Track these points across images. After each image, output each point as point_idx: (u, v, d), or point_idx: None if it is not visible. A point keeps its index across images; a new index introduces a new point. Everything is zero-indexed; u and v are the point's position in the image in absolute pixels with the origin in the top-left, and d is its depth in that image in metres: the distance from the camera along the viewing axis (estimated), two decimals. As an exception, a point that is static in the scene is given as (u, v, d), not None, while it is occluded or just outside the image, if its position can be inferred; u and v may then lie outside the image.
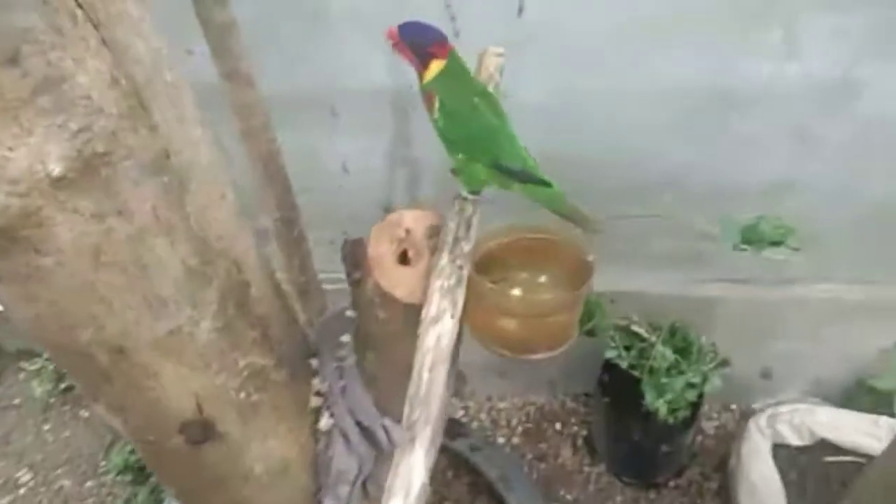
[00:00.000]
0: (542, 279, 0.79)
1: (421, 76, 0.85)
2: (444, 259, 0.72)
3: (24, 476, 1.89)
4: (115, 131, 0.55)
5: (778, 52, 1.28)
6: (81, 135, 0.52)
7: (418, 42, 0.85)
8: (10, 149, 0.49)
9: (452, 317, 0.67)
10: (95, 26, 0.51)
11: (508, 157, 0.85)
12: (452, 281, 0.70)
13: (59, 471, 1.90)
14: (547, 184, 0.85)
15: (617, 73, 1.41)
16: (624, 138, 1.50)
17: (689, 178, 1.51)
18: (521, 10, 1.36)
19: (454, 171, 0.88)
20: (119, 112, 0.54)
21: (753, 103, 1.36)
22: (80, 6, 0.49)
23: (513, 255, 0.79)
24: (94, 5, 0.51)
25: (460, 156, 0.85)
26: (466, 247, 0.75)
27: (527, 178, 0.85)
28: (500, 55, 1.12)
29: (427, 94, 0.85)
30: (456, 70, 0.85)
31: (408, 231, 0.78)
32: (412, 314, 0.72)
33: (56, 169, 0.52)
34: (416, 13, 1.38)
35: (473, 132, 0.85)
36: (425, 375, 0.63)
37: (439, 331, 0.66)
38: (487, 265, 0.77)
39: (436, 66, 0.83)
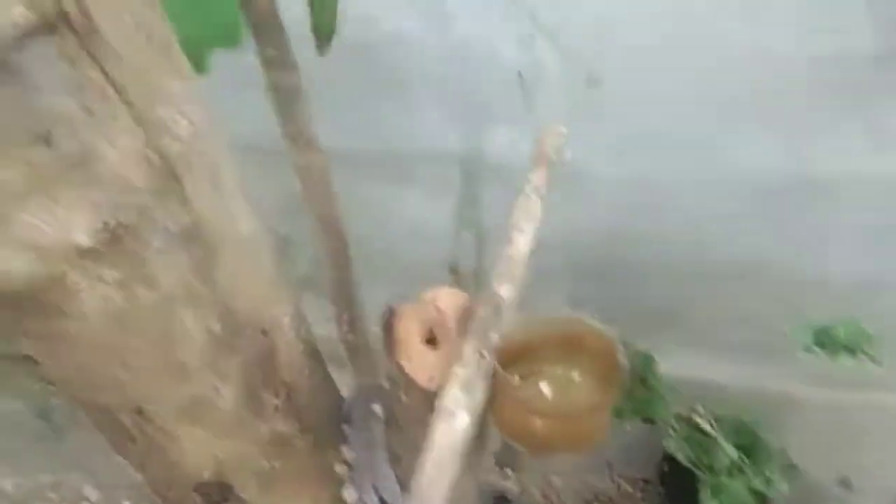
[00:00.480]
0: (575, 375, 0.76)
1: None
2: (469, 347, 0.71)
3: (92, 494, 1.97)
4: (144, 205, 0.56)
5: (863, 144, 1.21)
6: (110, 209, 0.54)
7: None
8: (41, 220, 0.52)
9: (469, 413, 0.65)
10: (129, 106, 0.53)
11: None
12: (474, 372, 0.68)
13: (124, 492, 1.96)
14: None
15: (692, 154, 1.37)
16: (697, 221, 1.44)
17: (764, 268, 1.43)
18: (594, 84, 1.34)
19: None
20: (149, 187, 0.56)
21: (836, 196, 1.29)
22: (114, 87, 0.51)
23: (545, 347, 0.76)
24: (128, 85, 0.53)
25: None
26: (495, 335, 0.72)
27: None
28: (560, 134, 1.10)
29: None
30: None
31: (439, 311, 0.77)
32: (433, 401, 0.70)
33: (83, 240, 0.53)
34: (492, 82, 1.40)
35: None
36: (430, 472, 0.61)
37: (452, 426, 0.63)
38: (517, 356, 0.74)
39: None
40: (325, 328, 1.34)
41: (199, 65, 1.00)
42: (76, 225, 0.53)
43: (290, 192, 1.67)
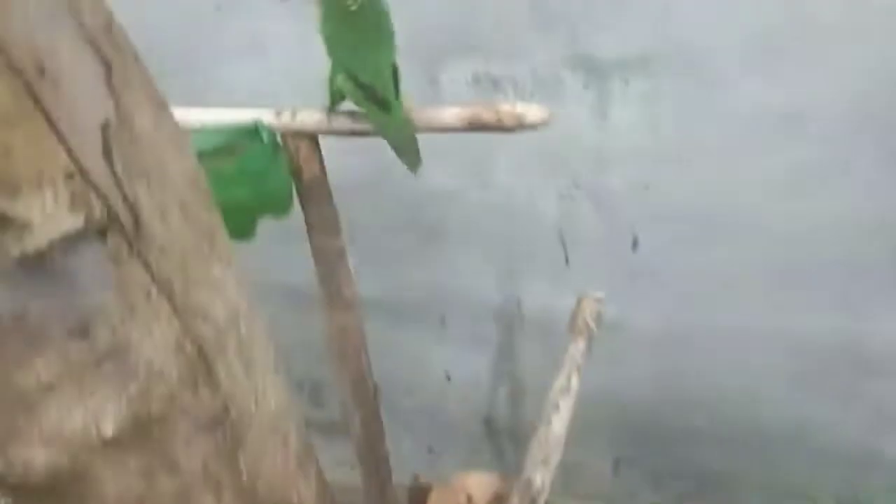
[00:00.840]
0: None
1: None
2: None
3: None
4: (173, 394, 0.56)
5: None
6: (139, 398, 0.53)
7: None
8: (69, 409, 0.51)
9: None
10: (169, 299, 0.53)
11: (365, 70, 0.92)
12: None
13: None
14: (388, 108, 0.93)
15: (735, 314, 1.34)
16: (741, 383, 1.39)
17: (812, 437, 1.36)
18: (635, 245, 1.34)
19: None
20: (180, 376, 0.56)
21: (892, 370, 1.23)
22: (155, 281, 0.52)
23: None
24: (172, 277, 0.54)
25: (332, 63, 0.93)
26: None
27: (374, 97, 0.92)
28: (598, 300, 1.09)
29: None
30: None
31: (469, 498, 0.73)
32: None
33: (109, 430, 0.53)
34: (531, 237, 1.41)
35: (341, 34, 0.90)
36: None
37: None
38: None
39: None
40: (352, 475, 1.30)
41: (247, 232, 1.04)
42: (104, 416, 0.52)
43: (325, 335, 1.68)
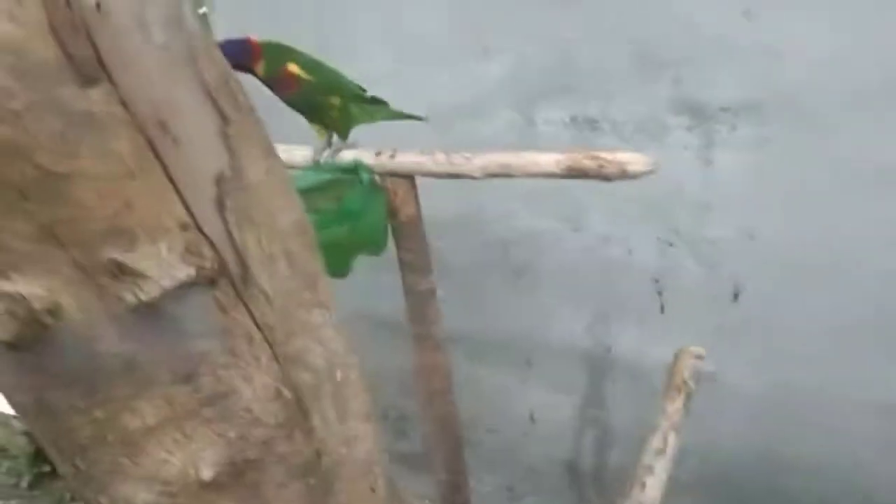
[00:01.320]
0: None
1: (260, 75, 0.97)
2: None
3: None
4: (269, 439, 0.56)
5: None
6: (237, 443, 0.54)
7: (235, 63, 0.92)
8: (170, 452, 0.52)
9: None
10: (271, 345, 0.54)
11: (350, 82, 1.05)
12: None
13: None
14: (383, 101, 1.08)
15: (839, 373, 1.26)
16: (845, 444, 1.30)
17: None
18: (736, 297, 1.28)
19: (329, 126, 1.04)
20: (277, 422, 0.56)
21: None
22: (259, 328, 0.53)
23: None
24: (275, 324, 0.54)
25: (336, 100, 1.01)
26: None
27: (377, 100, 1.07)
28: (699, 357, 1.04)
29: (280, 76, 0.97)
30: (277, 49, 0.98)
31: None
32: None
33: (208, 474, 0.53)
34: (625, 282, 1.37)
35: (330, 71, 1.01)
36: None
37: None
38: None
39: (260, 63, 0.95)
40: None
41: (343, 269, 1.05)
42: (203, 459, 0.53)
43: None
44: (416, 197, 1.03)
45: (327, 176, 1.02)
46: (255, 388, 0.54)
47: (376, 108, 1.08)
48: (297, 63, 0.99)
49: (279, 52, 0.99)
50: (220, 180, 0.49)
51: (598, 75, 1.19)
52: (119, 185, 0.43)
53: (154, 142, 0.44)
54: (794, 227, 1.19)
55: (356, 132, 1.08)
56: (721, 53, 1.09)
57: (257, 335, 0.53)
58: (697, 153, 1.19)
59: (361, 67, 1.38)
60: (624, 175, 0.85)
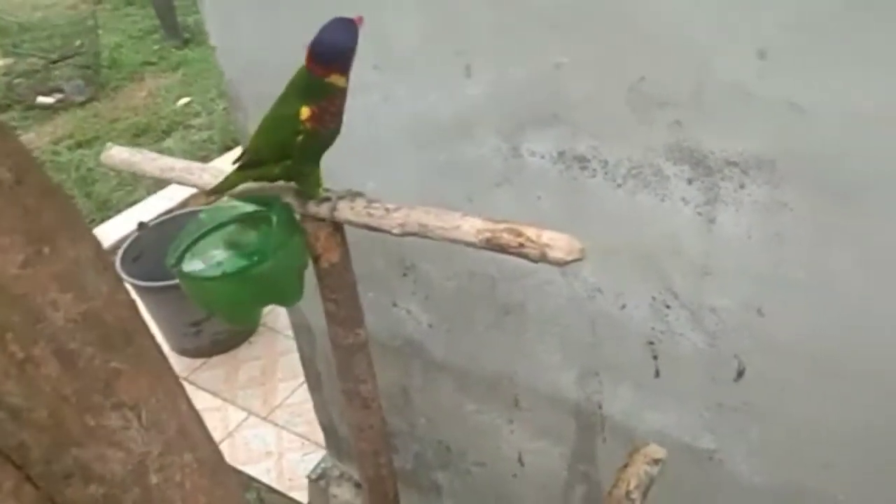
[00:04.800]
0: None
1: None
2: None
3: None
4: None
5: None
6: None
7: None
8: None
9: None
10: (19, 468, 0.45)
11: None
12: None
13: None
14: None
15: (845, 476, 1.06)
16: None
17: None
18: (740, 375, 1.09)
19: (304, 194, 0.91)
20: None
21: None
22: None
23: None
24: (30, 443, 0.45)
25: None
26: None
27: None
28: (655, 462, 0.87)
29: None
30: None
31: None
32: None
33: None
34: (617, 339, 1.20)
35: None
36: None
37: None
38: None
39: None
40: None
41: (253, 320, 0.95)
42: None
43: (402, 386, 1.58)
44: (341, 242, 0.90)
45: (248, 209, 0.91)
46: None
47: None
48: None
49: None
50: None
51: (590, 107, 1.01)
52: None
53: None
54: (811, 310, 0.98)
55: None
56: (731, 98, 0.90)
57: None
58: (699, 209, 0.99)
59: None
60: (544, 259, 0.70)
